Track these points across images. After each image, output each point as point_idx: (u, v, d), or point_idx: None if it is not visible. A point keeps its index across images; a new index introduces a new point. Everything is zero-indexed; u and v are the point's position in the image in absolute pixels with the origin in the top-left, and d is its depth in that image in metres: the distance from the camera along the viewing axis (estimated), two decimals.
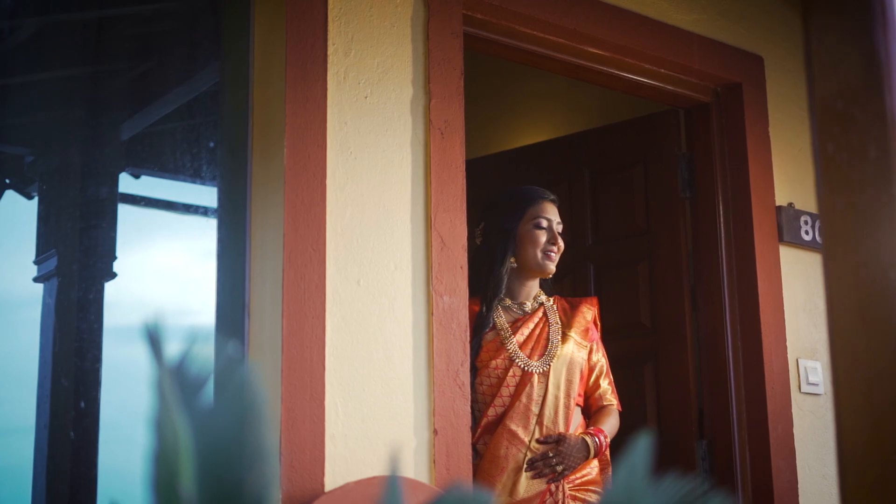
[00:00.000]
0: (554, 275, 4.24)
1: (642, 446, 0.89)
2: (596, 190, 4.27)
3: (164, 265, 4.52)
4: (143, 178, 4.92)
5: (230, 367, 0.91)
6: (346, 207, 2.76)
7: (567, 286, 4.18)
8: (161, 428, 0.83)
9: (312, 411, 2.55)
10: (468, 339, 2.94)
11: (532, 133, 5.17)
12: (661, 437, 3.90)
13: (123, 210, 4.57)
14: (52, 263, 4.43)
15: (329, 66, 2.79)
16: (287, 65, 2.69)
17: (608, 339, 4.06)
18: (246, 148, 2.74)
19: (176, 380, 0.89)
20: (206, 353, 0.97)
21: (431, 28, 3.02)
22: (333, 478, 2.55)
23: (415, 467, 2.70)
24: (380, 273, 2.79)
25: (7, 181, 5.17)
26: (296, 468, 2.48)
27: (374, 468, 2.63)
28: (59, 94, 4.30)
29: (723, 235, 3.81)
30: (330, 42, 2.81)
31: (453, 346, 2.87)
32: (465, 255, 2.98)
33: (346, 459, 2.60)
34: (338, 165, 2.77)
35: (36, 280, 4.51)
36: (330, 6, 2.82)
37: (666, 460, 3.83)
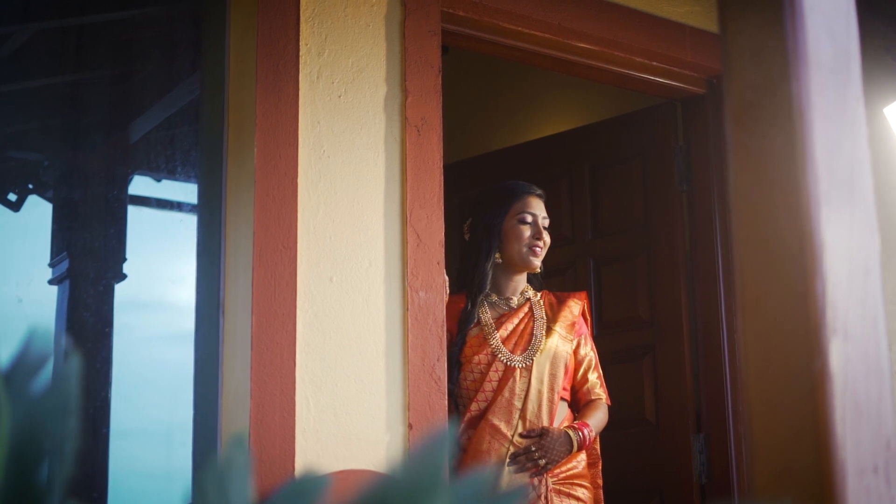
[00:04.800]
0: (556, 269, 4.24)
1: (441, 439, 0.90)
2: (596, 184, 4.28)
3: (175, 266, 4.60)
4: (159, 180, 5.00)
5: (55, 359, 0.95)
6: (319, 205, 2.80)
7: (568, 280, 4.19)
8: None
9: (282, 406, 2.59)
10: (445, 334, 2.97)
11: (547, 126, 5.16)
12: (658, 430, 3.89)
13: (135, 212, 4.65)
14: (65, 266, 4.52)
15: (301, 66, 2.83)
16: (258, 67, 2.74)
17: (607, 333, 4.06)
18: (221, 149, 2.79)
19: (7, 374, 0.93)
20: (40, 349, 1.01)
21: (408, 26, 3.05)
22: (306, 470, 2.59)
23: (388, 462, 2.73)
24: (353, 270, 2.82)
25: (30, 186, 5.29)
26: (265, 462, 2.52)
27: (347, 462, 2.66)
28: (66, 99, 4.39)
29: (719, 227, 3.79)
30: (302, 42, 2.85)
31: (429, 341, 2.89)
32: (443, 251, 3.00)
33: (318, 454, 2.64)
34: (310, 164, 2.80)
35: (50, 282, 4.61)
36: (303, 7, 2.86)
37: (663, 453, 3.83)
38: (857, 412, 1.45)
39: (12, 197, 5.18)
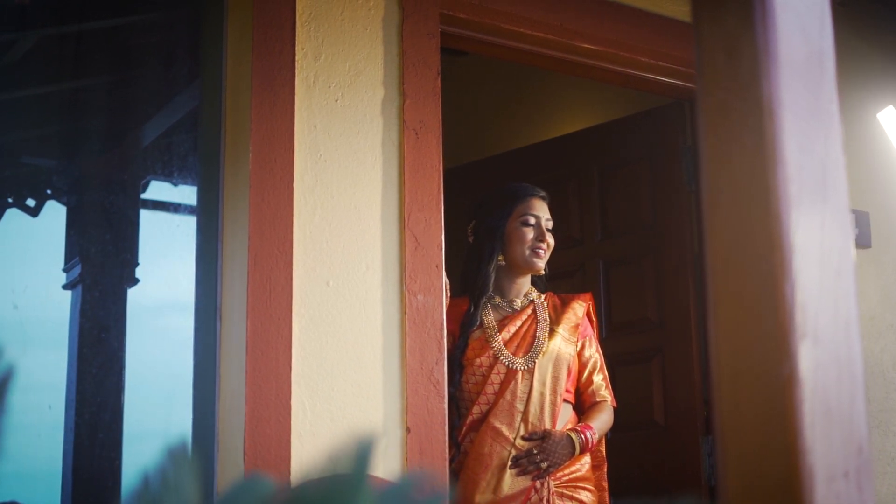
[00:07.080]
0: (565, 271, 4.22)
1: (367, 445, 0.90)
2: (604, 186, 4.26)
3: (188, 270, 4.62)
4: (176, 184, 5.03)
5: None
6: (315, 210, 2.80)
7: (577, 282, 4.18)
8: None
9: (278, 411, 2.60)
10: (444, 337, 2.96)
11: (569, 127, 5.13)
12: (666, 432, 3.87)
13: (147, 216, 4.67)
14: (78, 271, 4.55)
15: (297, 71, 2.83)
16: (253, 72, 2.75)
17: (615, 335, 4.04)
18: (218, 155, 2.80)
19: None
20: None
21: (406, 29, 3.04)
22: (301, 476, 2.59)
23: (385, 465, 2.73)
24: (350, 274, 2.82)
25: (48, 192, 5.34)
26: (261, 466, 2.53)
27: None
28: (77, 104, 4.42)
29: None
30: (299, 47, 2.85)
31: (428, 344, 2.89)
32: (442, 254, 3.00)
33: (314, 458, 2.64)
34: (306, 169, 2.81)
35: (64, 288, 4.64)
36: (299, 12, 2.87)
37: (671, 455, 3.80)
38: (827, 417, 1.43)
39: (31, 202, 5.22)
